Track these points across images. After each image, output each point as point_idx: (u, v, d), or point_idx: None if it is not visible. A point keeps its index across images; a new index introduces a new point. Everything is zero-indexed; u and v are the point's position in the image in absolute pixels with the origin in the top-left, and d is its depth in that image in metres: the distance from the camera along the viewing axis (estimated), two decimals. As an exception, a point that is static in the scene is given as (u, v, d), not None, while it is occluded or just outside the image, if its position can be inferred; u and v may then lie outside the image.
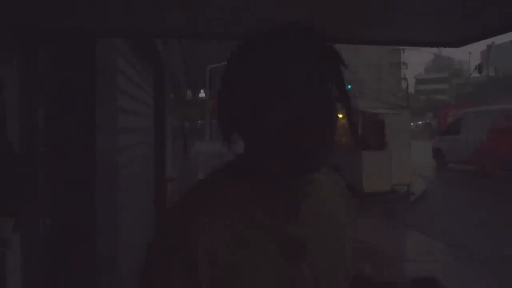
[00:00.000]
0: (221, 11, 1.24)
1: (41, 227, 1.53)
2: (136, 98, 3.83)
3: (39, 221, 1.53)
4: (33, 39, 1.49)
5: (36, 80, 1.52)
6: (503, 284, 4.88)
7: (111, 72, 2.16)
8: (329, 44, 0.81)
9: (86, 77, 1.64)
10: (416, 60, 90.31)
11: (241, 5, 1.16)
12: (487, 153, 12.62)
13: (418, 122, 53.64)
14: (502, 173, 12.89)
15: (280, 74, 0.76)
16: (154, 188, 5.43)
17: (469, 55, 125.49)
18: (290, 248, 0.82)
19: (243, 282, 0.77)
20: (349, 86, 28.56)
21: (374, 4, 1.26)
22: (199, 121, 41.84)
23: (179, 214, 0.81)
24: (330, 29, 1.39)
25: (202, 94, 41.18)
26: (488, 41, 52.84)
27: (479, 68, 39.57)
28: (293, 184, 0.84)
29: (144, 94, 4.56)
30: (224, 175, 0.87)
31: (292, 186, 0.84)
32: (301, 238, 0.83)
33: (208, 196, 0.83)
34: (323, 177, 0.95)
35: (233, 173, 0.86)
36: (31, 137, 1.51)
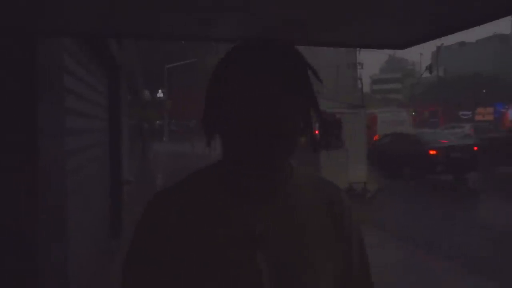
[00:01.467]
0: (171, 10, 1.20)
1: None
2: (88, 99, 3.70)
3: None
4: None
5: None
6: (457, 271, 5.11)
7: (56, 72, 2.06)
8: (296, 54, 0.90)
9: (26, 77, 1.55)
10: (371, 61, 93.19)
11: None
12: None
13: (374, 121, 55.35)
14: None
15: (249, 82, 0.85)
16: (109, 191, 5.27)
17: (420, 56, 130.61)
18: (245, 238, 0.87)
19: (187, 261, 0.87)
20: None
21: (325, 9, 1.27)
22: (157, 122, 41.15)
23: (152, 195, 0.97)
24: (285, 31, 1.40)
25: (160, 94, 40.52)
26: (438, 42, 55.37)
27: (430, 68, 41.39)
28: (258, 182, 0.91)
29: (97, 94, 4.41)
30: (202, 171, 0.98)
31: (256, 185, 0.91)
32: (259, 230, 0.88)
33: (176, 185, 0.97)
34: (305, 182, 0.99)
35: (208, 169, 0.98)
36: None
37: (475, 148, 13.03)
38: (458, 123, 41.10)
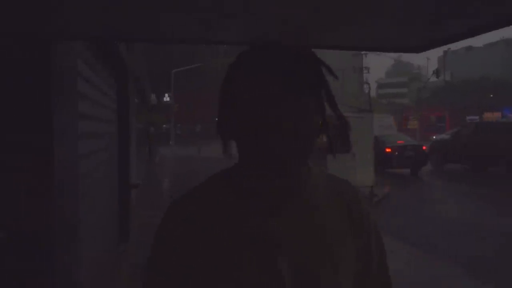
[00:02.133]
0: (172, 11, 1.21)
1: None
2: (99, 103, 3.73)
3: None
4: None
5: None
6: (467, 278, 5.07)
7: (70, 77, 2.08)
8: (312, 55, 0.88)
9: (41, 82, 1.57)
10: (377, 65, 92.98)
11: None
12: None
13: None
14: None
15: (262, 84, 0.83)
16: (118, 195, 5.29)
17: (427, 61, 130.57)
18: (265, 243, 0.86)
19: (205, 270, 0.86)
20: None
21: (339, 11, 1.28)
22: (164, 125, 41.28)
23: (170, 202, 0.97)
24: (296, 33, 1.40)
25: (166, 98, 40.69)
26: (445, 47, 55.17)
27: (436, 73, 41.21)
28: (275, 185, 0.89)
29: (107, 99, 4.44)
30: (218, 175, 0.97)
31: (273, 187, 0.89)
32: (278, 236, 0.87)
33: (193, 192, 0.96)
34: (322, 182, 0.98)
35: (224, 174, 0.96)
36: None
37: (424, 148, 15.57)
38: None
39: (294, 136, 0.83)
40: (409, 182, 14.39)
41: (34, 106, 1.60)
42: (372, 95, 64.25)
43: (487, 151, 13.78)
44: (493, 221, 8.18)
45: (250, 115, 0.83)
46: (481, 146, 13.87)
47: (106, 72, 4.46)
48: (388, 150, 15.11)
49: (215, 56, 43.89)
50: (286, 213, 0.90)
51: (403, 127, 36.99)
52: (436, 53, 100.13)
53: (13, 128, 1.54)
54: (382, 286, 1.00)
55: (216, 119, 0.93)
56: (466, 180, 13.43)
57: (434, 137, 22.44)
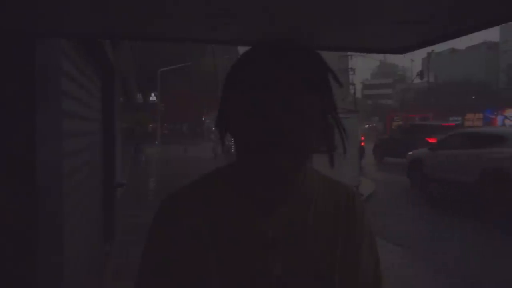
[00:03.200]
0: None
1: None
2: (83, 102, 3.68)
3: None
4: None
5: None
6: (449, 280, 5.15)
7: (54, 74, 2.06)
8: (317, 55, 0.87)
9: (25, 80, 1.55)
10: (363, 66, 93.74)
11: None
12: None
13: (365, 126, 55.75)
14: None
15: (262, 82, 0.82)
16: (102, 194, 5.24)
17: (412, 62, 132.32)
18: (258, 242, 0.86)
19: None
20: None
21: (323, 12, 1.29)
22: (150, 125, 40.98)
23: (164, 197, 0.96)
24: (284, 35, 1.41)
25: (153, 97, 40.40)
26: (428, 49, 55.94)
27: (421, 74, 41.78)
28: (271, 187, 0.89)
29: (92, 97, 4.39)
30: (214, 173, 0.98)
31: (269, 190, 0.89)
32: (272, 234, 0.87)
33: (188, 188, 0.95)
34: (319, 184, 0.98)
35: (220, 172, 0.97)
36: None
37: (362, 144, 15.90)
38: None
39: (295, 147, 0.83)
40: (393, 181, 14.59)
41: (17, 104, 1.58)
42: (357, 96, 64.78)
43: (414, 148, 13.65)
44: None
45: (247, 113, 0.82)
46: (411, 144, 14.70)
47: (92, 71, 4.41)
48: None
49: (203, 56, 43.73)
50: (281, 213, 0.90)
51: (388, 127, 37.33)
52: (420, 54, 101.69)
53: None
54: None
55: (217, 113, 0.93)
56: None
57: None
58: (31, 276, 1.57)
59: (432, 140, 12.43)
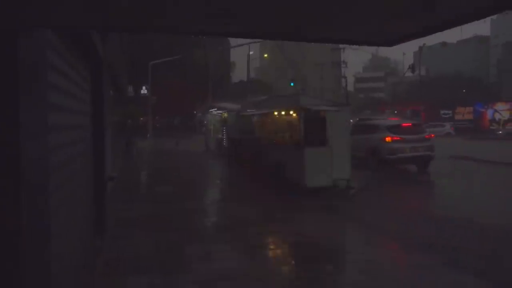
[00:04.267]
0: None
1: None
2: (72, 95, 3.63)
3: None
4: None
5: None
6: (443, 269, 5.20)
7: (39, 67, 2.02)
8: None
9: (7, 73, 1.51)
10: (355, 59, 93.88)
11: None
12: None
13: (357, 119, 55.98)
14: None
15: None
16: (93, 188, 5.20)
17: (403, 56, 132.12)
18: None
19: None
20: (292, 84, 29.32)
21: (316, 6, 1.27)
22: (141, 119, 40.72)
23: None
24: (276, 26, 1.39)
25: (144, 90, 40.11)
26: (420, 42, 56.11)
27: (412, 68, 41.92)
28: None
29: (80, 90, 4.33)
30: None
31: None
32: None
33: None
34: None
35: None
36: None
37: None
38: (439, 122, 41.89)
39: None
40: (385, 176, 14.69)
41: (0, 97, 1.54)
42: (349, 89, 64.93)
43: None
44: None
45: None
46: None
47: (80, 63, 4.35)
48: None
49: (194, 48, 43.44)
50: None
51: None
52: (412, 48, 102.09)
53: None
54: None
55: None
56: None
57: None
58: (16, 270, 1.54)
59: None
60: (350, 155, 10.94)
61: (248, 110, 15.93)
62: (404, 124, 15.24)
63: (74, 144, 3.63)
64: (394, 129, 14.63)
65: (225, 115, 19.29)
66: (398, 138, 14.29)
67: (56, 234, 2.49)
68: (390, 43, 1.59)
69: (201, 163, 18.97)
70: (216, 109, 21.42)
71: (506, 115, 40.45)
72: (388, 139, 14.30)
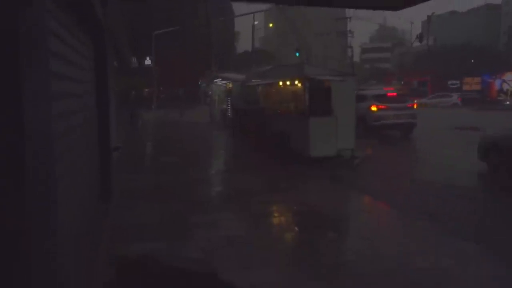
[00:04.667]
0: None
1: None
2: (74, 63, 3.61)
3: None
4: None
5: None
6: (442, 236, 5.27)
7: (40, 34, 1.99)
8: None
9: (8, 40, 1.50)
10: (362, 30, 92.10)
11: None
12: None
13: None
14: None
15: None
16: (98, 156, 5.24)
17: (411, 25, 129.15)
18: None
19: None
20: (297, 54, 28.55)
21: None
22: (146, 90, 40.59)
23: None
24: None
25: (148, 61, 39.80)
26: (429, 11, 54.76)
27: (420, 37, 41.14)
28: None
29: (83, 58, 4.30)
30: None
31: None
32: None
33: None
34: None
35: None
36: None
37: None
38: (447, 93, 41.41)
39: None
40: (388, 145, 14.67)
41: (1, 66, 1.53)
42: (355, 59, 64.00)
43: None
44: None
45: None
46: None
47: (82, 33, 4.30)
48: None
49: (196, 18, 42.74)
50: None
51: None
52: (420, 17, 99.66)
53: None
54: None
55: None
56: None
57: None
58: (20, 235, 1.57)
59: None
60: (354, 125, 10.90)
61: (252, 80, 15.81)
62: (389, 94, 16.47)
63: (77, 112, 3.64)
64: (379, 98, 15.80)
65: (230, 85, 19.15)
66: (383, 107, 15.52)
67: (61, 198, 2.53)
68: (395, 7, 1.55)
69: (205, 134, 19.01)
70: (220, 79, 21.27)
71: (514, 85, 39.90)
72: (373, 107, 15.47)
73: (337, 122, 10.31)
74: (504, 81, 41.07)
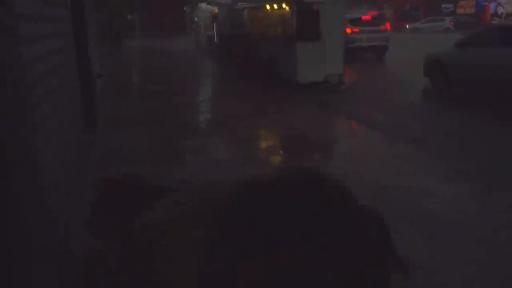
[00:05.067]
0: None
1: None
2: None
3: None
4: None
5: None
6: (425, 159, 5.43)
7: None
8: None
9: None
10: None
11: None
12: None
13: (355, 14, 53.46)
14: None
15: None
16: (79, 85, 5.15)
17: None
18: None
19: None
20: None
21: None
22: (129, 16, 38.80)
23: None
24: None
25: (129, -16, 37.61)
26: None
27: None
28: None
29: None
30: None
31: None
32: None
33: None
34: None
35: None
36: None
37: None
38: (439, 16, 40.30)
39: None
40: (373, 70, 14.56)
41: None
42: (347, -19, 60.98)
43: None
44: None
45: None
46: None
47: None
48: None
49: None
50: None
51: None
52: None
53: None
54: None
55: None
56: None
57: (407, 26, 22.69)
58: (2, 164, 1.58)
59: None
60: (343, 50, 10.70)
61: (239, 4, 15.20)
62: (363, 17, 17.25)
63: (51, 37, 3.50)
64: (354, 21, 16.52)
65: (216, 10, 18.41)
66: (357, 30, 16.35)
67: (41, 128, 2.52)
68: None
69: (191, 61, 18.61)
70: (206, 3, 20.41)
71: (509, 8, 38.85)
72: (348, 30, 15.74)
73: (325, 47, 10.10)
74: (499, 4, 39.90)
